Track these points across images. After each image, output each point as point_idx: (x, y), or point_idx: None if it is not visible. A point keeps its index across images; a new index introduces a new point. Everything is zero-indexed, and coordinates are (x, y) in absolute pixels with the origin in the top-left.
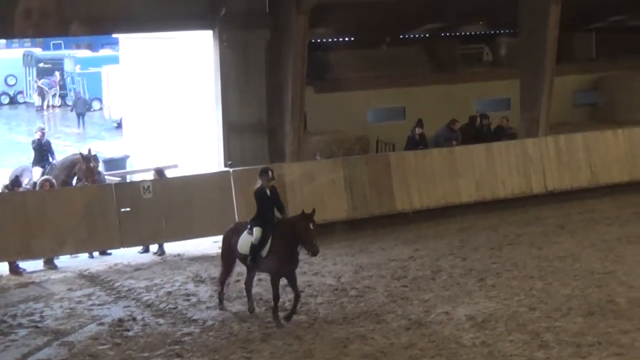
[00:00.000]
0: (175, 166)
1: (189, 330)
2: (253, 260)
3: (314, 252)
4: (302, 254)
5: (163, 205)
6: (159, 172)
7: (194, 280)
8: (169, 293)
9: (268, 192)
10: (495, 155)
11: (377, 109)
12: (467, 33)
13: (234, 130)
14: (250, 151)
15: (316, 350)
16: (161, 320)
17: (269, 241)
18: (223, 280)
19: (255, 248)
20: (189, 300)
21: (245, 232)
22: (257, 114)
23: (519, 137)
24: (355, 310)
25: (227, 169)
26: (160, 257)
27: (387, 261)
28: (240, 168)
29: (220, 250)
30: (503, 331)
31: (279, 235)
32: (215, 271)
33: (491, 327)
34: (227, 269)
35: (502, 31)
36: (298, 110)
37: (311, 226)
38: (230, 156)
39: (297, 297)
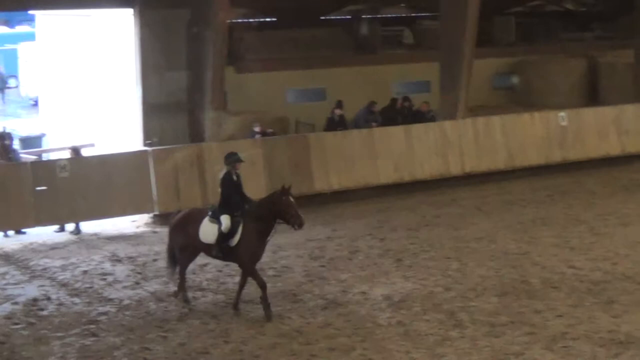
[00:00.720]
0: (92, 145)
1: (104, 309)
2: (221, 250)
3: (300, 224)
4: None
5: (79, 184)
6: (75, 150)
7: (111, 260)
8: (85, 272)
9: (235, 177)
10: (414, 137)
11: (297, 90)
12: (388, 15)
13: (153, 110)
14: (169, 131)
15: (233, 329)
16: (76, 300)
17: (240, 229)
18: (183, 273)
19: (225, 237)
20: (105, 279)
21: (205, 221)
22: (176, 93)
23: (438, 119)
24: (272, 290)
25: (145, 148)
26: (76, 236)
27: (305, 241)
28: (159, 147)
29: (168, 241)
30: (419, 311)
31: (250, 222)
32: (133, 250)
33: (407, 306)
34: (188, 261)
35: (423, 14)
36: (218, 90)
37: (292, 199)
38: (149, 135)
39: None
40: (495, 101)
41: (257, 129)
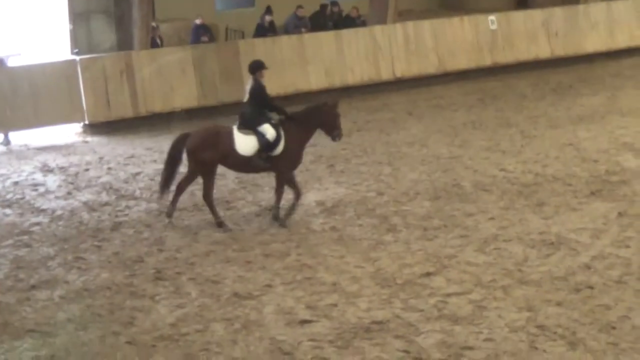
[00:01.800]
0: (18, 54)
1: (37, 220)
2: (263, 159)
3: (340, 136)
4: None
5: (6, 95)
6: (1, 60)
7: (42, 170)
8: (16, 183)
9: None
10: (344, 43)
11: None
12: None
13: (80, 18)
14: (97, 39)
15: (167, 237)
16: (8, 211)
17: (282, 137)
18: (211, 194)
19: (271, 146)
20: (36, 190)
21: (238, 134)
22: (103, 1)
23: (368, 24)
24: None
25: (73, 57)
26: (5, 147)
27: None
28: (88, 56)
29: (170, 163)
30: (352, 216)
31: (291, 129)
32: (64, 160)
33: (340, 212)
34: (212, 179)
35: None
36: None
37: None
38: (76, 44)
39: (298, 195)
40: (425, 5)
41: (198, 22)
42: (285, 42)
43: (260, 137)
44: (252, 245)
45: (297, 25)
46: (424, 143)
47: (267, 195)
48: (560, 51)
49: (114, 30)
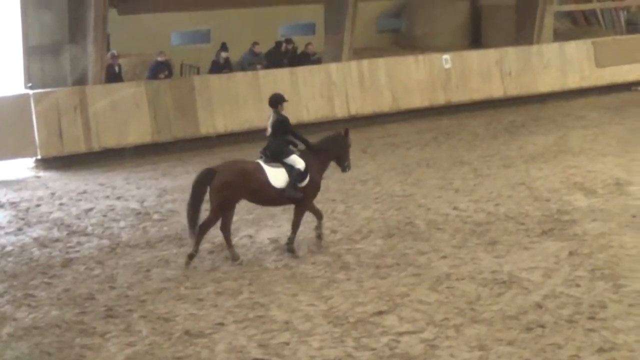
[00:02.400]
0: None
1: None
2: (298, 190)
3: (349, 167)
4: None
5: None
6: None
7: None
8: None
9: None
10: (299, 80)
11: (181, 32)
12: None
13: (34, 51)
14: (51, 73)
15: (119, 275)
16: None
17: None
18: (229, 228)
19: (303, 176)
20: None
21: (266, 167)
22: (58, 34)
23: (323, 62)
24: (158, 235)
25: (27, 91)
26: None
27: (190, 185)
28: (41, 90)
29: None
30: (305, 253)
31: (311, 159)
32: (15, 195)
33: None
34: (232, 215)
35: None
36: (101, 31)
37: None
38: (30, 78)
39: (321, 216)
40: (380, 43)
41: (160, 59)
42: (241, 79)
43: (290, 168)
44: (204, 283)
45: (253, 61)
46: (377, 181)
47: (220, 233)
48: (514, 91)
49: (68, 64)
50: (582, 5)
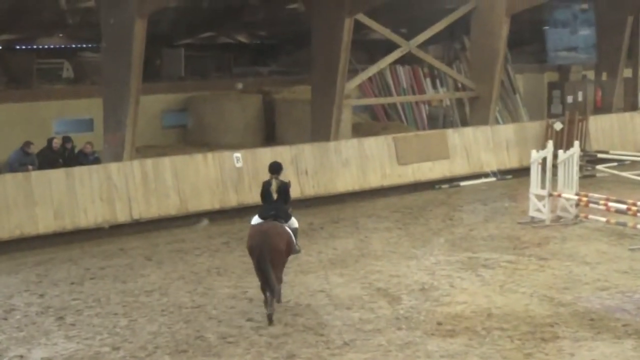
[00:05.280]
0: None
1: None
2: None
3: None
4: None
5: None
6: None
7: None
8: None
9: None
10: (76, 181)
11: None
12: (45, 46)
13: None
14: None
15: None
16: None
17: None
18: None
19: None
20: None
21: (287, 228)
22: None
23: (103, 161)
24: None
25: None
26: None
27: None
28: None
29: (260, 260)
30: None
31: None
32: None
33: None
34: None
35: (84, 45)
36: None
37: None
38: None
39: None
40: (165, 141)
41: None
42: (10, 181)
43: (294, 229)
44: None
45: (23, 162)
46: (164, 291)
47: None
48: (310, 190)
49: None
50: (381, 100)
